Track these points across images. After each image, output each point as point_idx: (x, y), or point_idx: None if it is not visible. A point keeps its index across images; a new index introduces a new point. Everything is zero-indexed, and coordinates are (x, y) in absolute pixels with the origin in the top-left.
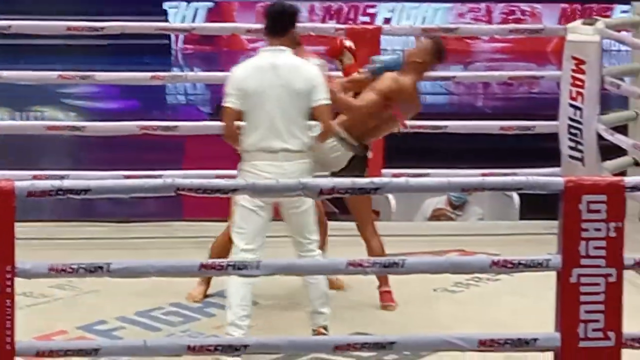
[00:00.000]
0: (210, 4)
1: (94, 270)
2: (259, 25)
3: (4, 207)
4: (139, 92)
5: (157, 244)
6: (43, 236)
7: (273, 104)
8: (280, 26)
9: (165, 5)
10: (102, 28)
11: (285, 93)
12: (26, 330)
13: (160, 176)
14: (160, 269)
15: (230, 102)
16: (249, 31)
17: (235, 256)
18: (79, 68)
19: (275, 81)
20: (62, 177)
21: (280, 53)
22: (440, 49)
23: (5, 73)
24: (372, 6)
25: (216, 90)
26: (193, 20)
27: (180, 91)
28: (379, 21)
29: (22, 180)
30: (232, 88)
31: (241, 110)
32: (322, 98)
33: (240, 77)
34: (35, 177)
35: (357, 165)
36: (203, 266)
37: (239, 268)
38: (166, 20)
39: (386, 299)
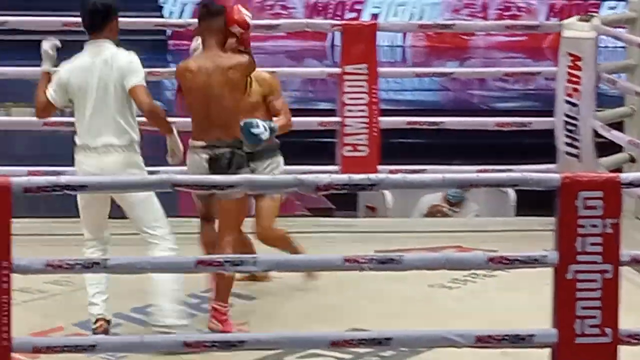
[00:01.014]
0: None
1: (91, 266)
2: (255, 22)
3: (0, 203)
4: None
5: None
6: (40, 232)
7: (94, 99)
8: (96, 22)
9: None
10: None
11: (105, 87)
12: (23, 327)
13: (157, 172)
14: (157, 265)
15: (49, 94)
16: None
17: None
18: None
19: (94, 77)
20: (59, 173)
21: (98, 48)
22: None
23: (1, 69)
24: (360, 2)
25: None
26: (180, 17)
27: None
28: (365, 17)
29: (19, 176)
30: (55, 83)
31: (56, 105)
32: (133, 80)
33: (64, 76)
34: (31, 173)
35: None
36: (200, 262)
37: (236, 264)
38: (162, 16)
39: (215, 316)
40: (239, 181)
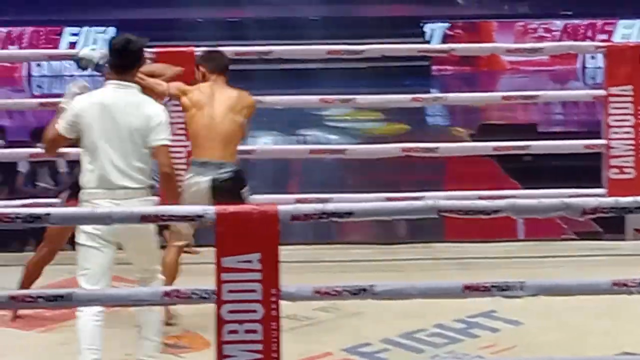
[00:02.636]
0: (447, 25)
1: (358, 292)
2: (519, 45)
3: (268, 231)
4: (401, 114)
5: (419, 265)
6: (306, 259)
7: (109, 141)
8: (124, 62)
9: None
10: (362, 51)
11: (122, 131)
12: (291, 353)
13: (422, 198)
14: (424, 291)
15: (62, 127)
16: (508, 51)
17: None
18: (340, 91)
19: (111, 118)
20: (324, 201)
21: (122, 89)
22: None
23: (268, 98)
24: (610, 23)
25: (476, 111)
26: (429, 41)
27: (440, 112)
28: (616, 39)
29: (286, 204)
30: (69, 116)
31: (67, 137)
32: (159, 138)
33: (78, 109)
34: (298, 201)
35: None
36: (466, 287)
37: (503, 289)
38: (425, 42)
39: None
40: (503, 206)
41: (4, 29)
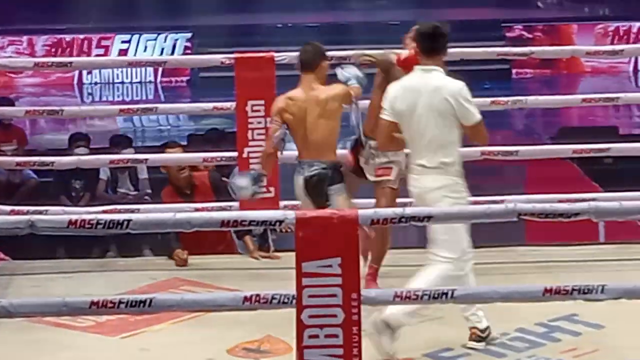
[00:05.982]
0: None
1: (439, 296)
2: (599, 47)
3: (348, 235)
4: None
5: (500, 269)
6: (387, 264)
7: (418, 123)
8: (430, 46)
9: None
10: None
11: (429, 113)
12: (373, 357)
13: (502, 201)
14: (505, 295)
15: (384, 115)
16: (588, 53)
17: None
18: None
19: (420, 101)
20: (404, 205)
21: (428, 73)
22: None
23: None
24: None
25: (557, 114)
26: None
27: (519, 116)
28: None
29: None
30: (386, 105)
31: (394, 122)
32: (470, 118)
33: (392, 96)
34: None
35: None
36: (547, 291)
37: (585, 292)
38: (505, 45)
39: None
40: (584, 209)
41: (57, 37)
